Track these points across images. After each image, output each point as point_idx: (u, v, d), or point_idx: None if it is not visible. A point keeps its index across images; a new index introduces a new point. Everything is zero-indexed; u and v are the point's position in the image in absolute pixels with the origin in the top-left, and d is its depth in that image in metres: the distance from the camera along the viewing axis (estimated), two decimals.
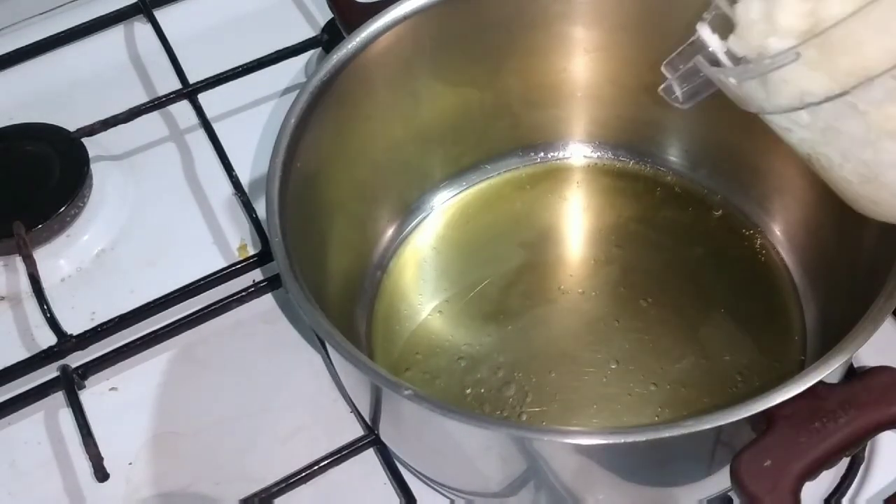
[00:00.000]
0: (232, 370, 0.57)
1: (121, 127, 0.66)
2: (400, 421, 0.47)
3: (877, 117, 0.37)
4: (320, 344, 0.55)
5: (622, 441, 0.39)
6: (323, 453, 0.52)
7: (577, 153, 0.63)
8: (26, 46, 0.73)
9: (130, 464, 0.53)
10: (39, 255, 0.61)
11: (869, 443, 0.50)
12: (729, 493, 0.47)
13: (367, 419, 0.52)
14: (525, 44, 0.58)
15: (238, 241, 0.63)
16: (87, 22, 0.74)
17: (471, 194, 0.62)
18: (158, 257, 0.63)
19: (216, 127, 0.66)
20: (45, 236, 0.62)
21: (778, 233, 0.58)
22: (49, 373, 0.57)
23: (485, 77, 0.58)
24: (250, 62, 0.69)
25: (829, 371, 0.39)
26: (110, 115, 0.66)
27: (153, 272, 0.61)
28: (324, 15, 0.74)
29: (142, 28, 0.75)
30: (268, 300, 0.60)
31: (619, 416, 0.52)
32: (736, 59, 0.40)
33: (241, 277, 0.60)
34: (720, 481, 0.43)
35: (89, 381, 0.57)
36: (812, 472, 0.37)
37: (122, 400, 0.56)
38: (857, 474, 0.50)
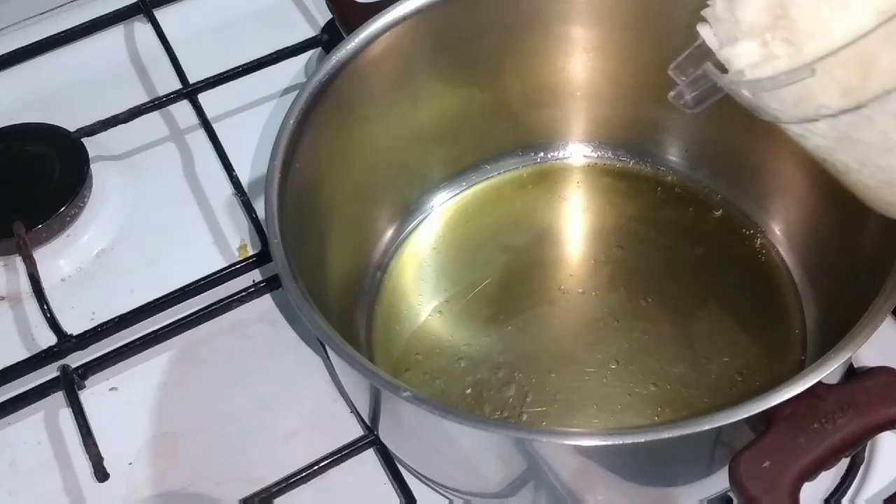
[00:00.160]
0: (232, 370, 0.57)
1: (121, 127, 0.66)
2: (399, 422, 0.47)
3: (893, 127, 0.37)
4: (320, 344, 0.55)
5: (622, 442, 0.39)
6: (323, 453, 0.52)
7: (577, 153, 0.63)
8: (26, 46, 0.73)
9: (130, 464, 0.53)
10: (39, 255, 0.61)
11: (869, 443, 0.50)
12: (729, 494, 0.47)
13: (366, 420, 0.52)
14: (524, 44, 0.58)
15: (238, 241, 0.63)
16: (87, 22, 0.74)
17: (470, 194, 0.62)
18: (158, 257, 0.63)
19: (216, 127, 0.66)
20: (45, 236, 0.62)
21: (778, 233, 0.58)
22: (49, 373, 0.57)
23: (484, 77, 0.58)
24: (250, 62, 0.69)
25: (828, 371, 0.39)
26: (110, 115, 0.66)
27: (153, 272, 0.61)
28: (324, 15, 0.74)
29: (142, 28, 0.75)
30: (268, 300, 0.59)
31: (619, 417, 0.52)
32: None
33: (241, 277, 0.60)
34: (720, 481, 0.43)
35: (89, 382, 0.57)
36: (811, 473, 0.37)
37: (122, 400, 0.56)
38: (856, 475, 0.50)
